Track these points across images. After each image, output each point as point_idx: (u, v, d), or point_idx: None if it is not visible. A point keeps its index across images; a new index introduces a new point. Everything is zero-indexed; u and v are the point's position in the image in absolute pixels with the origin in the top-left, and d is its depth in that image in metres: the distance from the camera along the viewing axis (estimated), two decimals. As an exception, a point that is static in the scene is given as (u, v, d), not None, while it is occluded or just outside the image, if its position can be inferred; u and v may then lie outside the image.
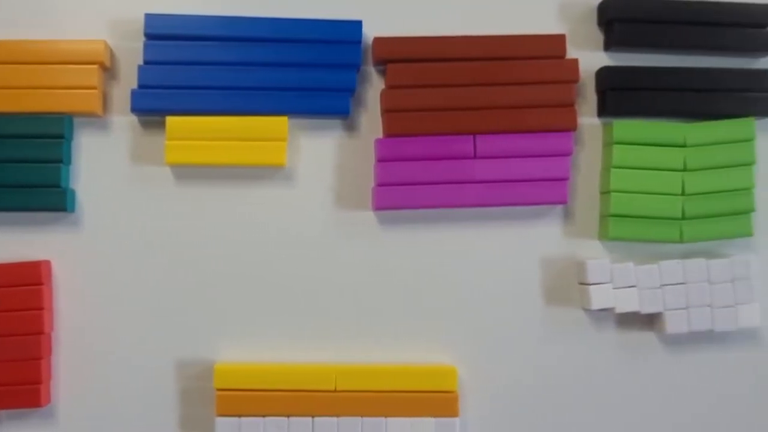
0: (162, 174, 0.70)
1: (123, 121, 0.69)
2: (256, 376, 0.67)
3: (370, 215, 0.71)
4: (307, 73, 0.68)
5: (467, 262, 0.71)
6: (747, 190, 0.70)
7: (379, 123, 0.70)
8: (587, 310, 0.71)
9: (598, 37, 0.72)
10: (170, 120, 0.67)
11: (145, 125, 0.70)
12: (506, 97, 0.69)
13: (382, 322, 0.70)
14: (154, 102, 0.68)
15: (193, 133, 0.68)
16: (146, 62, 0.68)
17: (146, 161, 0.69)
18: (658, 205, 0.69)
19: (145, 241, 0.69)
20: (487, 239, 0.71)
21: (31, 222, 0.69)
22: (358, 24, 0.69)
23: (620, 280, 0.69)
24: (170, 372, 0.69)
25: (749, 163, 0.70)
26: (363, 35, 0.69)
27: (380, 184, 0.68)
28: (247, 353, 0.69)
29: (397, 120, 0.68)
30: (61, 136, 0.67)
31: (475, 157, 0.68)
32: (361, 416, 0.67)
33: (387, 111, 0.69)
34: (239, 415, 0.67)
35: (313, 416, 0.67)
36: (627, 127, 0.70)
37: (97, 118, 0.69)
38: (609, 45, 0.71)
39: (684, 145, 0.69)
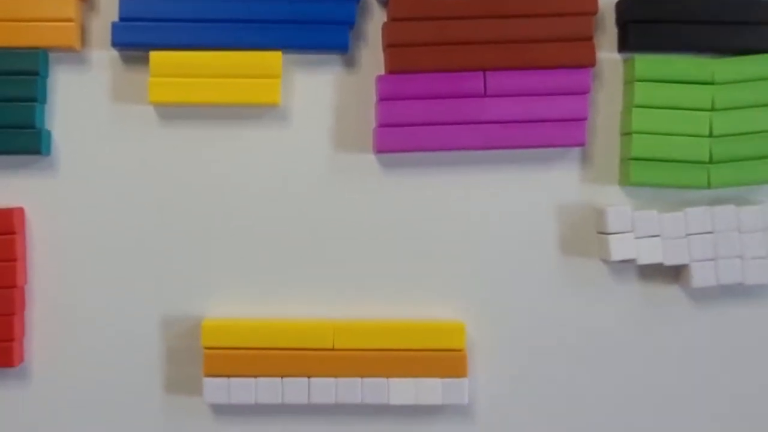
0: (145, 114, 0.67)
1: (103, 57, 0.67)
2: (248, 333, 0.65)
3: (371, 158, 0.68)
4: (303, 4, 0.65)
5: (476, 210, 0.68)
6: (780, 131, 0.67)
7: (380, 59, 0.67)
8: (606, 262, 0.68)
9: (619, -35, 0.68)
10: (154, 55, 0.65)
11: (127, 61, 0.67)
12: (519, 31, 0.65)
13: (384, 275, 0.68)
14: (137, 35, 0.65)
15: (178, 70, 0.65)
16: (128, -8, 0.65)
17: (128, 100, 0.67)
18: (683, 148, 0.66)
19: (126, 187, 0.67)
20: (497, 184, 0.68)
21: (3, 166, 0.66)
22: (358, -49, 0.66)
23: (642, 229, 0.66)
24: (154, 328, 0.67)
25: (783, 102, 0.67)
26: (364, -37, 0.66)
27: (382, 125, 0.65)
28: (238, 308, 0.67)
29: (401, 55, 0.65)
30: (36, 73, 0.65)
31: (485, 95, 0.66)
32: (361, 377, 0.65)
33: (389, 46, 0.66)
34: (229, 376, 0.65)
35: (309, 376, 0.65)
36: (650, 62, 0.66)
37: (75, 53, 0.66)
38: (630, -27, 0.68)
39: (712, 83, 0.66)
